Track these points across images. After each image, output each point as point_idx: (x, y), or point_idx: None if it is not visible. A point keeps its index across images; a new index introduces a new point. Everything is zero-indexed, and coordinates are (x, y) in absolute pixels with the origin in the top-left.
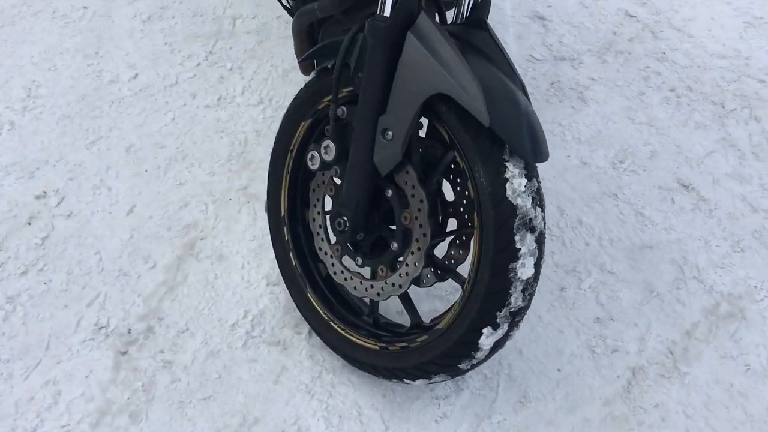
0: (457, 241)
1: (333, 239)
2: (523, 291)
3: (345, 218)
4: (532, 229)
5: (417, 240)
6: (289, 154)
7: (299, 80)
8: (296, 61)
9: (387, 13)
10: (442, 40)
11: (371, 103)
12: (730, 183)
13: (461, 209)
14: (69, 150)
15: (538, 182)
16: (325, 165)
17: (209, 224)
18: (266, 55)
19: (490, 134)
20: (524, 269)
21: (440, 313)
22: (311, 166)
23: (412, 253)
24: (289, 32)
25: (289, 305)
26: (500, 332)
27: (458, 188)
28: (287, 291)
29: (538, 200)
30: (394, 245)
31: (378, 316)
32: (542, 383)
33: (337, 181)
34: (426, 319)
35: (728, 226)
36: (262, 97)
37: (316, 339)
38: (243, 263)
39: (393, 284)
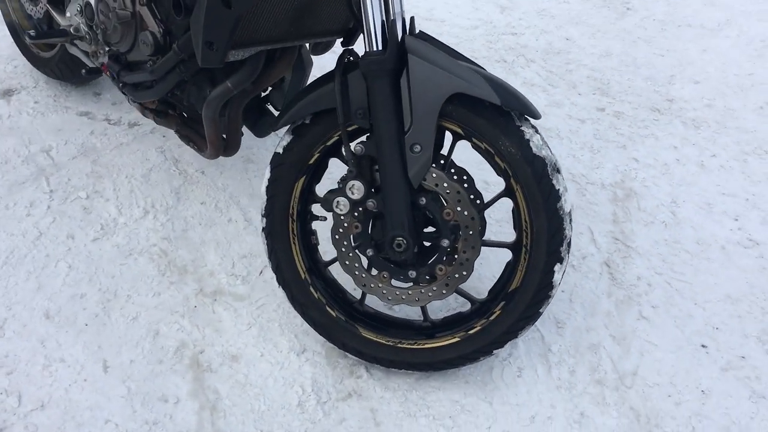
0: None
1: (370, 270)
2: (570, 222)
3: (402, 238)
4: (558, 170)
5: (467, 226)
6: (290, 219)
7: (164, 179)
8: (200, 152)
9: (379, 47)
10: (434, 50)
11: (391, 128)
12: (553, 110)
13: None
14: None
15: (541, 133)
16: (355, 204)
17: (197, 337)
18: (112, 170)
19: (498, 112)
20: (566, 203)
21: (495, 281)
22: (340, 212)
23: (466, 239)
24: (118, 141)
25: (330, 360)
26: (565, 263)
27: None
28: (325, 349)
29: (548, 146)
30: (445, 242)
31: (431, 318)
32: (561, 306)
33: (358, 215)
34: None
35: (576, 138)
36: (144, 207)
37: (377, 372)
38: (260, 351)
39: (456, 275)
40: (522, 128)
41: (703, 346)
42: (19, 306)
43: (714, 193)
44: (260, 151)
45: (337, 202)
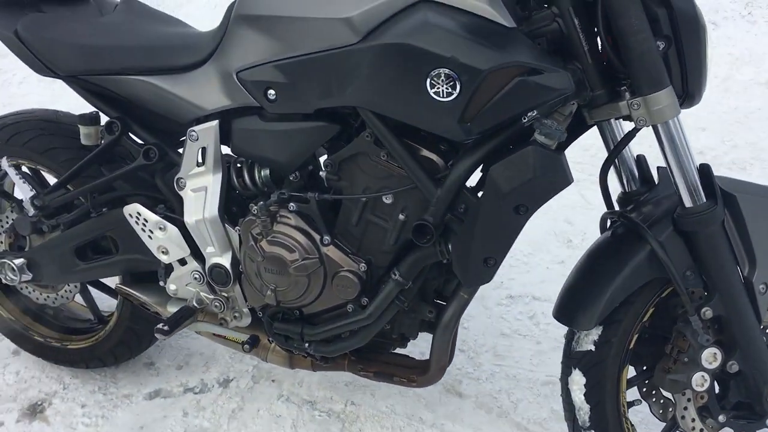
0: None
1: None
2: None
3: None
4: None
5: None
6: (623, 420)
7: (319, 427)
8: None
9: (703, 199)
10: (745, 183)
11: (738, 278)
12: None
13: None
14: None
15: None
16: (714, 373)
17: None
18: None
19: None
20: None
21: None
22: (700, 389)
23: None
24: (227, 409)
25: None
26: None
27: None
28: None
29: None
30: None
31: None
32: None
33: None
34: None
35: None
36: None
37: None
38: None
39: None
40: None
41: None
42: None
43: None
44: None
45: (695, 380)
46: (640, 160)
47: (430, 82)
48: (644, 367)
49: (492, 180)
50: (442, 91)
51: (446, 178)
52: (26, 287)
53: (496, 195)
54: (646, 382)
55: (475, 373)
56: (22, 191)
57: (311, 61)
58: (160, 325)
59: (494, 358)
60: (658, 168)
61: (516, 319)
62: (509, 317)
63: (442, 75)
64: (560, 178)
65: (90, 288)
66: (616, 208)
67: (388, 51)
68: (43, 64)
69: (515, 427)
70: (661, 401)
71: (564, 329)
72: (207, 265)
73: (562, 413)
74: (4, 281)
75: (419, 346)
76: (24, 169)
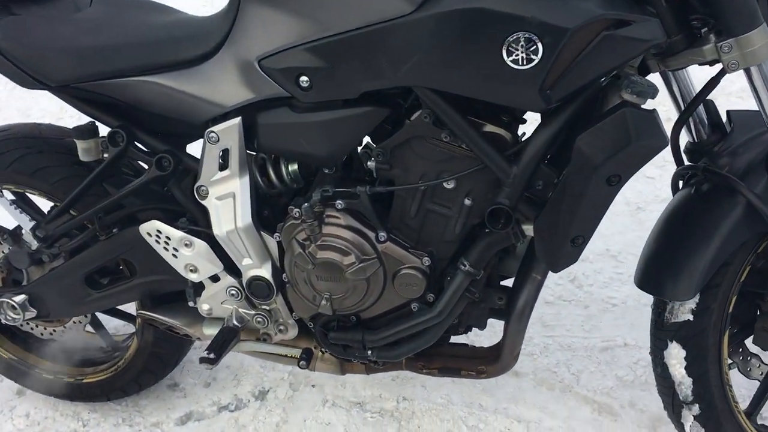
0: None
1: None
2: None
3: None
4: None
5: None
6: (726, 388)
7: None
8: None
9: None
10: None
11: None
12: None
13: None
14: None
15: None
16: None
17: None
18: None
19: None
20: None
21: None
22: None
23: None
24: (270, 423)
25: None
26: None
27: None
28: None
29: None
30: None
31: None
32: None
33: None
34: None
35: None
36: None
37: None
38: None
39: None
40: None
41: None
42: None
43: None
44: None
45: None
46: (709, 106)
47: (507, 50)
48: (731, 326)
49: (580, 151)
50: (522, 58)
51: (520, 153)
52: (28, 323)
53: (586, 167)
54: (737, 342)
55: (527, 348)
56: (20, 222)
57: (354, 39)
58: (204, 354)
59: (544, 329)
60: (728, 112)
61: (556, 284)
62: (549, 283)
63: (522, 39)
64: (659, 139)
65: (98, 314)
66: (686, 163)
67: (455, 18)
68: (28, 75)
69: (582, 401)
70: (749, 359)
71: (609, 290)
72: (244, 279)
73: (628, 379)
74: (4, 321)
75: None
76: (8, 195)
